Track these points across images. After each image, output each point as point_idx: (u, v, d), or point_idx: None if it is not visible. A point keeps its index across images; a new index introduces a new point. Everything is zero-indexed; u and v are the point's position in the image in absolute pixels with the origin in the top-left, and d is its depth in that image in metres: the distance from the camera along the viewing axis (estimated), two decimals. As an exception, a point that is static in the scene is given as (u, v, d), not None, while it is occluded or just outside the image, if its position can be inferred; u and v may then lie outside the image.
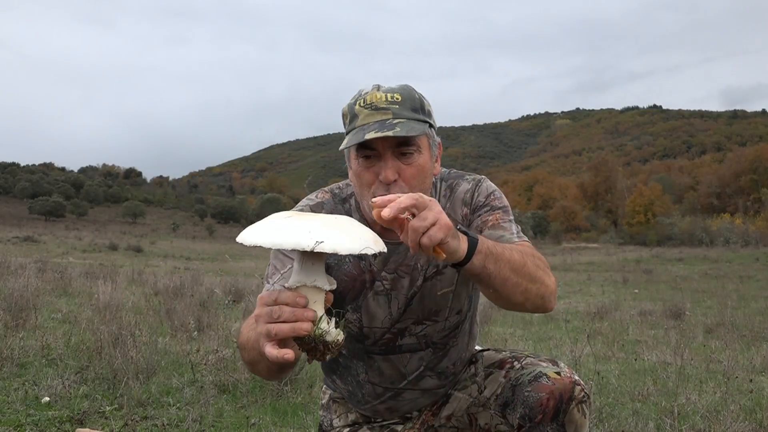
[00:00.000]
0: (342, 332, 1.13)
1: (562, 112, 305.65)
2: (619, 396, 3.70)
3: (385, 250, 1.14)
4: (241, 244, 1.10)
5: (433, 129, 1.51)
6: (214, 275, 13.30)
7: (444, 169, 1.67)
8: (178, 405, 3.19)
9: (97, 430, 2.70)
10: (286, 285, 1.14)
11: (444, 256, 1.22)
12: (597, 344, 5.67)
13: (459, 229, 1.29)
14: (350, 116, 1.45)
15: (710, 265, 21.97)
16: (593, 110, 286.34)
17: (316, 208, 1.61)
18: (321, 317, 1.11)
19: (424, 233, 1.17)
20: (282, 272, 1.52)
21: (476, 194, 1.60)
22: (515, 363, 1.60)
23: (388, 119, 1.40)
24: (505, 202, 1.61)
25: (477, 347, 1.81)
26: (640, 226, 67.74)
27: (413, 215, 1.19)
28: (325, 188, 1.68)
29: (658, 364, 4.78)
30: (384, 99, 1.42)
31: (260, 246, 1.06)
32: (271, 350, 1.11)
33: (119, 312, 5.60)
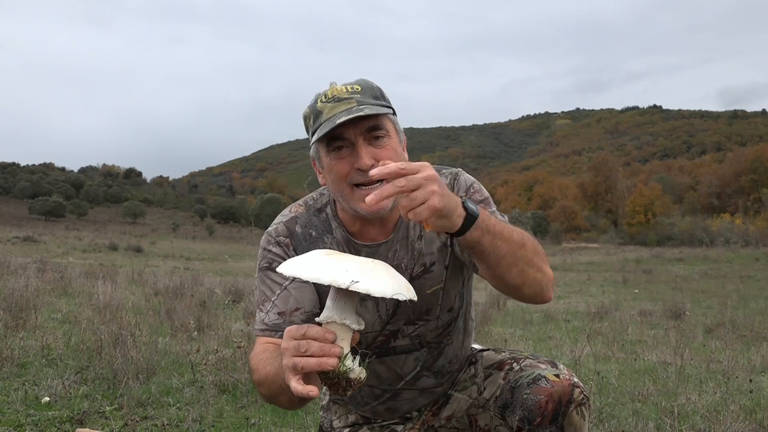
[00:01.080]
0: (365, 371, 1.16)
1: (562, 112, 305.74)
2: (619, 396, 3.70)
3: (416, 298, 1.17)
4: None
5: (395, 116, 1.52)
6: (214, 275, 13.31)
7: None
8: (178, 405, 3.19)
9: (97, 430, 2.70)
10: (316, 319, 1.17)
11: (430, 228, 1.25)
12: (597, 344, 5.67)
13: (463, 204, 1.29)
14: (314, 115, 1.46)
15: (710, 265, 21.98)
16: (593, 110, 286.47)
17: (290, 224, 1.59)
18: (347, 354, 1.14)
19: (409, 211, 1.20)
20: (273, 300, 1.52)
21: (456, 189, 1.60)
22: (514, 365, 1.59)
23: (354, 106, 1.41)
24: (485, 192, 1.61)
25: (476, 346, 1.81)
26: (640, 226, 67.80)
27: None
28: (300, 201, 1.67)
29: (658, 364, 4.78)
30: (345, 90, 1.44)
31: (300, 278, 1.12)
32: (297, 385, 1.13)
33: (119, 312, 5.60)
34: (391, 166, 1.19)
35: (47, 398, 3.10)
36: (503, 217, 1.59)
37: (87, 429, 2.67)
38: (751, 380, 3.97)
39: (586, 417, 1.49)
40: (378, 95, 1.47)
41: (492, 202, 1.62)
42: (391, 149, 1.45)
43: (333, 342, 1.13)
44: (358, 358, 1.16)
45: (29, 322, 4.96)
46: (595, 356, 4.84)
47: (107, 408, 3.04)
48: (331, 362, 1.11)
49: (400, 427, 1.73)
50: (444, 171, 1.64)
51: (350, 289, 1.08)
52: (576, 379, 1.50)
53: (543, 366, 1.53)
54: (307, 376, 1.15)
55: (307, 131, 1.50)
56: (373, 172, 1.19)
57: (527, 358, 1.60)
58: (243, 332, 5.10)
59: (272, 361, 1.37)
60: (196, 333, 5.20)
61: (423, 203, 1.20)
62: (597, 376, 3.83)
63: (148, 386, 3.45)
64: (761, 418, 3.05)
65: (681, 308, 8.24)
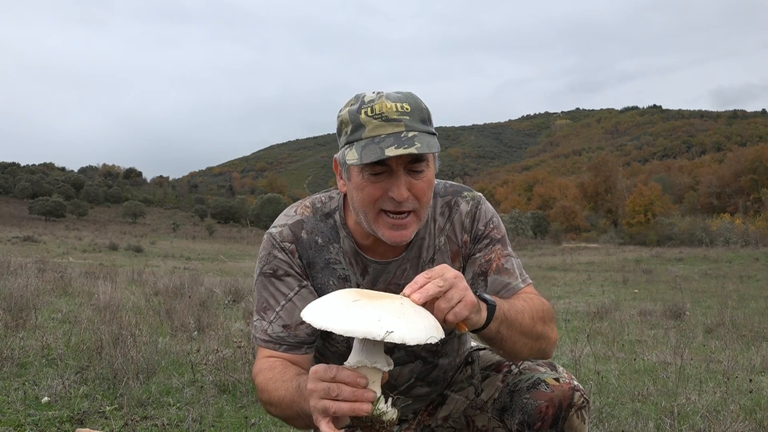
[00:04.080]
0: (397, 411, 1.15)
1: (562, 112, 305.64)
2: (619, 396, 3.70)
3: (444, 335, 1.17)
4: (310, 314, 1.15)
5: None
6: (214, 275, 13.31)
7: (436, 181, 1.61)
8: (178, 405, 3.19)
9: (97, 430, 2.70)
10: (346, 364, 1.15)
11: (466, 329, 1.27)
12: (597, 344, 5.66)
13: (479, 296, 1.31)
14: (354, 125, 1.37)
15: (710, 265, 21.96)
16: (593, 110, 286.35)
17: (296, 228, 1.54)
18: (379, 397, 1.13)
19: (449, 312, 1.21)
20: (277, 310, 1.50)
21: (476, 221, 1.57)
22: (513, 367, 1.58)
23: (402, 131, 1.33)
24: (503, 229, 1.60)
25: (473, 343, 1.80)
26: (640, 226, 67.71)
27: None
28: (306, 201, 1.60)
29: (658, 364, 4.78)
30: (394, 110, 1.35)
31: (330, 330, 1.08)
32: (328, 429, 1.13)
33: (119, 312, 5.60)
34: (429, 286, 1.19)
35: (47, 398, 3.10)
36: (518, 262, 1.58)
37: (87, 429, 2.67)
38: (751, 380, 3.96)
39: (586, 420, 1.48)
40: (426, 118, 1.40)
41: (507, 240, 1.60)
42: (426, 181, 1.41)
43: (365, 386, 1.12)
44: (390, 399, 1.15)
45: (29, 322, 4.96)
46: (595, 356, 4.84)
47: (107, 408, 3.04)
48: (365, 407, 1.10)
49: (396, 428, 1.72)
50: (465, 194, 1.60)
51: (386, 340, 1.06)
52: (576, 383, 1.49)
53: (542, 369, 1.52)
54: (336, 418, 1.14)
55: (339, 133, 1.43)
56: (415, 297, 1.17)
57: (526, 359, 1.57)
58: (243, 332, 5.10)
59: (284, 384, 1.35)
60: (196, 333, 5.20)
61: (460, 301, 1.21)
62: (597, 376, 3.83)
63: (148, 386, 3.45)
64: (761, 418, 3.05)
65: (681, 308, 8.23)
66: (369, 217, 1.42)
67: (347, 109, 1.41)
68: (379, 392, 1.13)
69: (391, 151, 1.30)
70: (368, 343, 1.13)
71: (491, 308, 1.32)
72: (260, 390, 1.44)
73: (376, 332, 1.05)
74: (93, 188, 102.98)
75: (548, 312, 1.49)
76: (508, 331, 1.37)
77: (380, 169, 1.36)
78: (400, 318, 1.09)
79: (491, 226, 1.58)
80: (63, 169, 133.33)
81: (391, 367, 1.17)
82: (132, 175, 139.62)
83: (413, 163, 1.37)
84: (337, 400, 1.11)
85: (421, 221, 1.45)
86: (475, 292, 1.30)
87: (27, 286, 6.15)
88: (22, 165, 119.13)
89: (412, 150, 1.30)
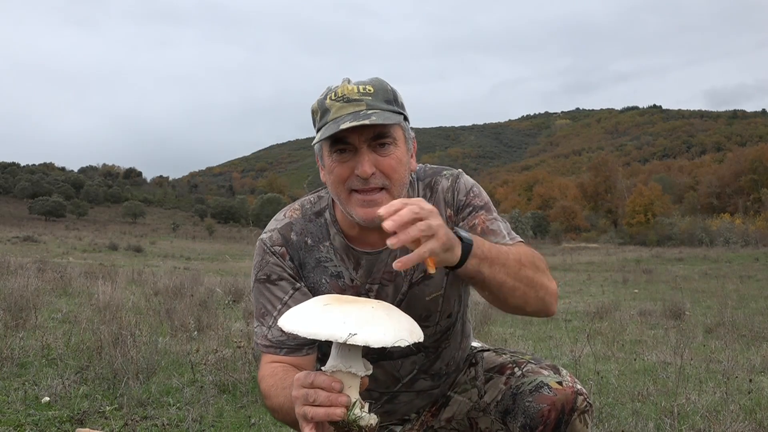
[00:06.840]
0: (376, 416, 1.15)
1: (562, 112, 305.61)
2: (619, 396, 3.70)
3: (422, 338, 1.15)
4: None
5: (407, 122, 1.48)
6: (214, 275, 13.31)
7: (418, 166, 1.63)
8: (178, 405, 3.19)
9: (97, 430, 2.70)
10: (323, 368, 1.16)
11: (433, 269, 1.22)
12: (597, 344, 5.66)
13: (455, 233, 1.28)
14: (321, 111, 1.41)
15: (710, 265, 21.98)
16: (593, 110, 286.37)
17: (285, 231, 1.55)
18: (355, 402, 1.13)
19: (421, 246, 1.18)
20: (274, 315, 1.51)
21: (456, 192, 1.57)
22: (516, 369, 1.57)
23: (362, 110, 1.36)
24: (485, 197, 1.59)
25: (476, 344, 1.80)
26: (640, 226, 67.80)
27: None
28: (296, 204, 1.62)
29: (658, 364, 4.78)
30: (356, 91, 1.39)
31: (298, 333, 1.10)
32: None
33: (119, 312, 5.59)
34: (404, 212, 1.16)
35: (47, 398, 3.11)
36: (506, 224, 1.57)
37: (87, 429, 2.67)
38: (751, 380, 3.96)
39: (588, 424, 1.48)
40: (391, 99, 1.42)
41: (492, 207, 1.59)
42: (395, 158, 1.41)
43: (340, 391, 1.12)
44: (368, 403, 1.15)
45: (29, 322, 4.96)
46: (595, 356, 4.84)
47: (107, 408, 3.04)
48: (338, 412, 1.11)
49: (398, 428, 1.72)
50: (445, 172, 1.61)
51: (348, 342, 1.07)
52: (579, 386, 1.48)
53: (545, 372, 1.52)
54: (319, 424, 1.14)
55: (313, 124, 1.47)
56: (387, 225, 1.15)
57: (529, 362, 1.58)
58: (243, 332, 5.10)
59: (284, 391, 1.37)
60: (196, 333, 5.20)
61: (432, 236, 1.18)
62: (597, 376, 3.83)
63: (148, 386, 3.45)
64: (761, 418, 3.05)
65: (681, 308, 8.23)
66: (342, 198, 1.44)
67: (317, 99, 1.45)
68: (354, 397, 1.14)
69: (346, 125, 1.32)
70: (343, 348, 1.14)
71: (466, 246, 1.29)
72: (264, 396, 1.46)
73: (339, 334, 1.07)
74: (93, 188, 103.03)
75: (539, 260, 1.46)
76: (491, 270, 1.32)
77: (345, 147, 1.39)
78: (367, 321, 1.10)
79: (471, 195, 1.57)
80: (63, 169, 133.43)
81: (369, 372, 1.17)
82: (132, 175, 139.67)
83: (377, 139, 1.39)
84: (314, 406, 1.12)
85: (395, 199, 1.44)
86: (451, 228, 1.27)
87: (27, 286, 6.15)
88: (22, 165, 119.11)
89: (365, 122, 1.32)
